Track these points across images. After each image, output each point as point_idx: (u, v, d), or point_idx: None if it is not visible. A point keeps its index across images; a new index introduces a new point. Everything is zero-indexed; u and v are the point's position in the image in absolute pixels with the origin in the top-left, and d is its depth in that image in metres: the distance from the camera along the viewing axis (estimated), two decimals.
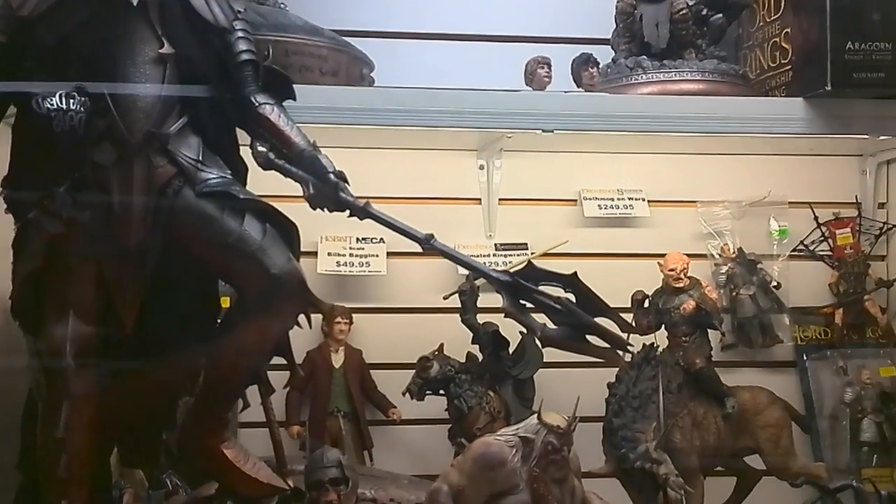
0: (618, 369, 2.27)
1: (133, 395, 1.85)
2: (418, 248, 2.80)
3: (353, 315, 2.71)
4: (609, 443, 2.17)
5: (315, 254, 2.68)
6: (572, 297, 1.75)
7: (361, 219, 1.80)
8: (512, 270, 1.76)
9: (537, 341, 2.57)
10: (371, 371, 2.70)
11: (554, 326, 1.74)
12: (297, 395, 2.62)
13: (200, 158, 1.73)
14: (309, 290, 1.72)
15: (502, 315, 2.53)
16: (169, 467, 2.21)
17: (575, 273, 1.73)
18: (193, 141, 1.75)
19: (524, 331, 2.61)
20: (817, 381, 2.87)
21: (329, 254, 2.69)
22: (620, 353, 1.75)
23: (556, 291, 1.79)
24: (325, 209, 1.80)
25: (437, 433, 2.61)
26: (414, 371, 2.50)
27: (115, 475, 2.13)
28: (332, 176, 1.76)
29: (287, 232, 1.74)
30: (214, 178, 1.72)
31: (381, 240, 2.74)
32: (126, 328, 1.75)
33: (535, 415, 1.93)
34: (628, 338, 1.77)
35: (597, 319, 1.71)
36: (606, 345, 1.74)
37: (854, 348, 2.86)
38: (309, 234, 2.60)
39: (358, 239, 2.73)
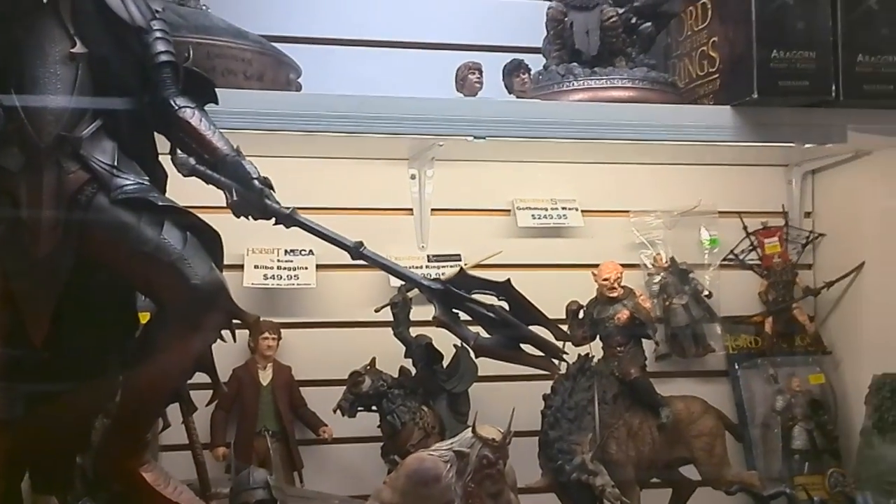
0: (553, 381, 2.24)
1: (45, 418, 1.74)
2: (348, 261, 2.75)
3: (282, 330, 2.62)
4: (545, 455, 2.13)
5: (241, 267, 2.59)
6: (506, 306, 1.71)
7: (288, 227, 1.73)
8: (443, 278, 1.70)
9: (472, 354, 2.57)
10: (301, 388, 2.61)
11: (487, 336, 1.70)
12: (223, 414, 2.51)
13: (115, 164, 1.64)
14: (233, 301, 1.64)
15: (435, 327, 2.54)
16: (85, 494, 2.09)
17: (508, 280, 1.69)
18: (108, 145, 1.65)
19: (458, 344, 2.60)
20: (749, 389, 2.89)
21: (256, 266, 2.60)
22: (555, 361, 1.71)
23: (490, 300, 1.75)
24: (250, 217, 1.73)
25: (369, 451, 2.53)
26: (345, 387, 2.42)
27: (28, 503, 2.01)
28: (256, 182, 1.69)
29: (209, 241, 1.65)
30: (131, 185, 1.63)
31: (311, 252, 2.67)
32: (35, 343, 1.63)
33: (470, 429, 1.88)
34: (563, 346, 1.73)
35: (531, 328, 1.67)
36: (540, 353, 1.69)
37: (784, 356, 2.90)
38: (234, 246, 2.53)
39: (286, 251, 2.65)
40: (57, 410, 1.74)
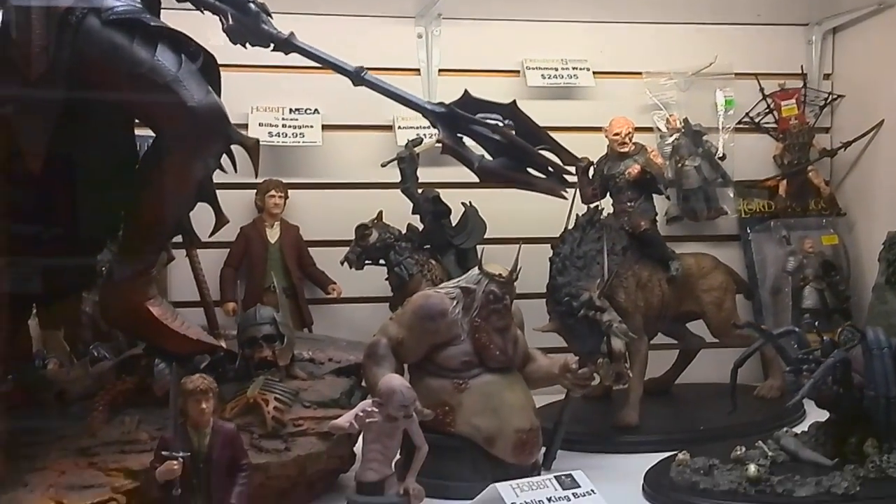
0: (562, 231, 2.21)
1: (49, 254, 1.73)
2: (355, 120, 2.71)
3: (289, 191, 2.59)
4: (553, 300, 2.12)
5: (245, 125, 2.54)
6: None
7: (286, 53, 1.68)
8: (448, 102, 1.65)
9: (479, 214, 2.55)
10: (309, 248, 2.61)
11: (492, 159, 1.65)
12: (231, 271, 2.52)
13: None
14: (230, 123, 1.60)
15: (442, 190, 2.50)
16: (94, 340, 2.12)
17: (514, 101, 1.64)
18: None
19: (467, 202, 2.58)
20: (760, 252, 2.86)
21: (260, 124, 2.56)
22: (562, 183, 1.66)
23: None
24: (247, 43, 1.67)
25: (378, 310, 2.53)
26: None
27: (37, 344, 2.03)
28: (252, 6, 1.63)
29: (205, 66, 1.60)
30: (121, 6, 1.57)
31: (316, 111, 2.62)
32: (33, 171, 1.60)
33: (477, 266, 1.86)
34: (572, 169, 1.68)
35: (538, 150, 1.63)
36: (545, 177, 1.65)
37: (797, 219, 2.85)
38: (239, 104, 2.49)
39: (291, 109, 2.60)
40: (60, 246, 1.73)
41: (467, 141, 1.68)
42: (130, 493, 1.48)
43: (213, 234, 1.70)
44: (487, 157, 1.66)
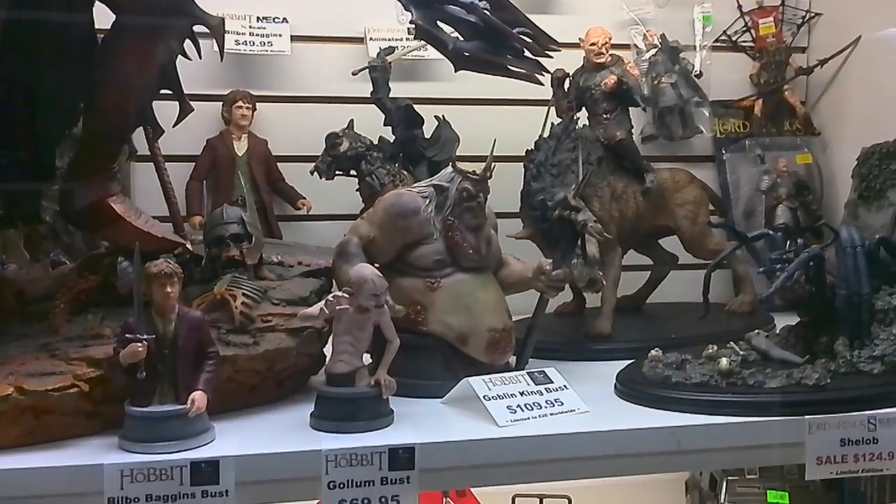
0: (536, 138, 2.17)
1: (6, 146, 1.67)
2: (324, 31, 2.64)
3: (258, 104, 2.53)
4: (527, 206, 2.09)
5: None
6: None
7: None
8: None
9: (452, 128, 2.51)
10: (278, 163, 2.55)
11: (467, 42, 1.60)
12: (198, 184, 2.46)
13: None
14: (195, 3, 1.53)
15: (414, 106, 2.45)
16: (55, 248, 2.06)
17: None
18: None
19: (440, 116, 2.53)
20: (735, 173, 2.85)
21: (227, 32, 2.45)
22: (540, 70, 1.61)
23: None
24: None
25: (347, 227, 2.48)
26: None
27: None
28: None
29: None
30: None
31: (284, 20, 2.55)
32: None
33: (450, 164, 1.82)
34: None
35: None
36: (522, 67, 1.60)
37: (772, 138, 2.84)
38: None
39: (258, 18, 2.53)
40: (18, 134, 1.66)
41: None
42: (93, 381, 1.43)
43: (177, 123, 1.64)
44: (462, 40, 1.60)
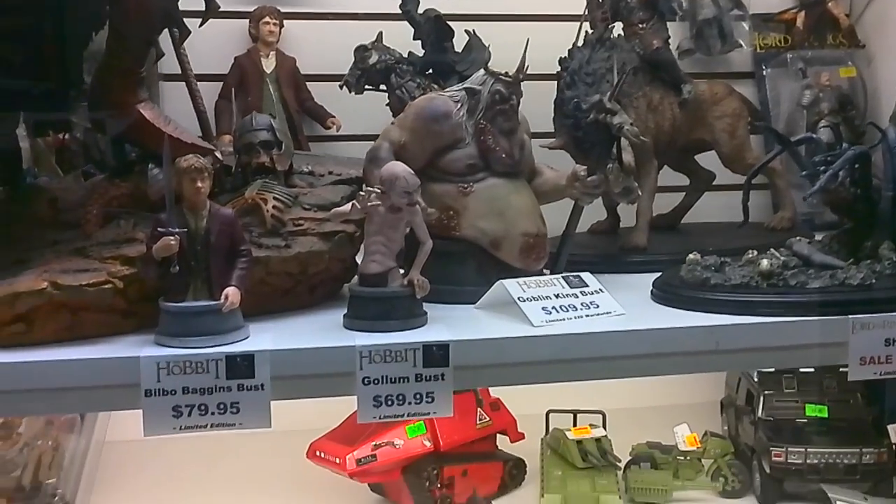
0: (570, 47, 2.11)
1: (31, 51, 1.65)
2: None
3: (285, 21, 2.49)
4: (560, 114, 2.04)
5: None
6: None
7: None
8: None
9: (483, 43, 2.44)
10: (306, 83, 2.52)
11: None
12: (226, 103, 2.43)
13: None
14: None
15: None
16: (87, 162, 2.06)
17: None
18: None
19: (471, 30, 2.47)
20: (775, 89, 2.77)
21: None
22: None
23: None
24: None
25: None
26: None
27: (27, 164, 1.97)
28: None
29: None
30: None
31: None
32: None
33: (482, 67, 1.78)
34: None
35: None
36: None
37: (815, 52, 2.75)
38: None
39: None
40: (45, 40, 1.64)
41: None
42: (128, 279, 1.43)
43: (203, 23, 1.61)
44: None
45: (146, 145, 1.72)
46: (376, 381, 1.41)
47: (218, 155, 1.80)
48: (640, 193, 2.01)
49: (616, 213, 2.44)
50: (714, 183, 2.53)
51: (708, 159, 2.48)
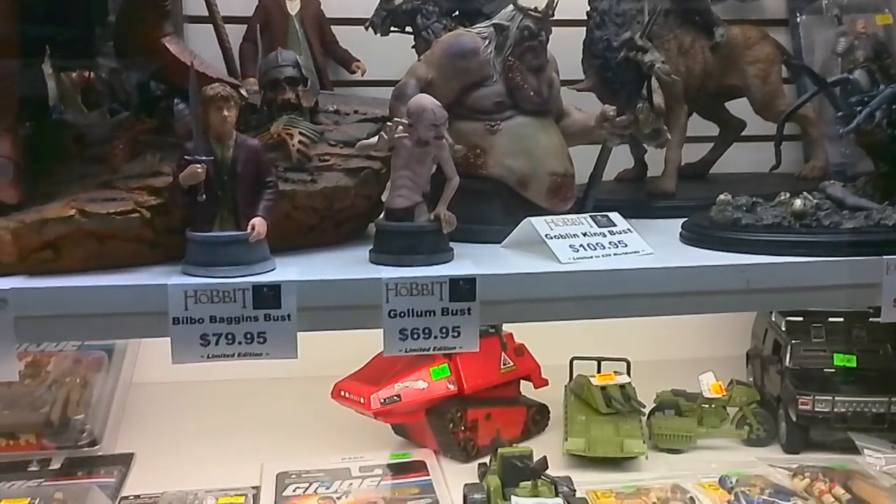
0: None
1: None
2: None
3: None
4: (589, 54, 2.00)
5: None
6: None
7: None
8: None
9: None
10: (331, 26, 2.49)
11: None
12: (251, 46, 2.39)
13: None
14: None
15: None
16: (112, 101, 2.05)
17: None
18: None
19: None
20: (809, 37, 2.70)
21: None
22: None
23: None
24: None
25: None
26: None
27: (54, 101, 1.97)
28: None
29: None
30: None
31: None
32: None
33: (511, 2, 1.74)
34: None
35: None
36: None
37: None
38: None
39: None
40: None
41: None
42: (155, 209, 1.43)
43: None
44: None
45: (172, 80, 1.71)
46: (402, 315, 1.40)
47: (244, 92, 1.79)
48: (669, 137, 1.98)
49: (644, 161, 2.41)
50: (743, 133, 2.50)
51: (738, 107, 2.44)
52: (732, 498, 1.85)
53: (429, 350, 1.43)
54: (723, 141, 2.49)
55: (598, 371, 2.30)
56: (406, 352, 1.42)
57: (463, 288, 1.41)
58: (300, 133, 1.64)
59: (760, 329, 2.47)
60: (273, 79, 1.73)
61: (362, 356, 2.17)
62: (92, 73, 2.07)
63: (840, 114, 1.73)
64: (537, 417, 2.29)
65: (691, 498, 1.84)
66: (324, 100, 1.88)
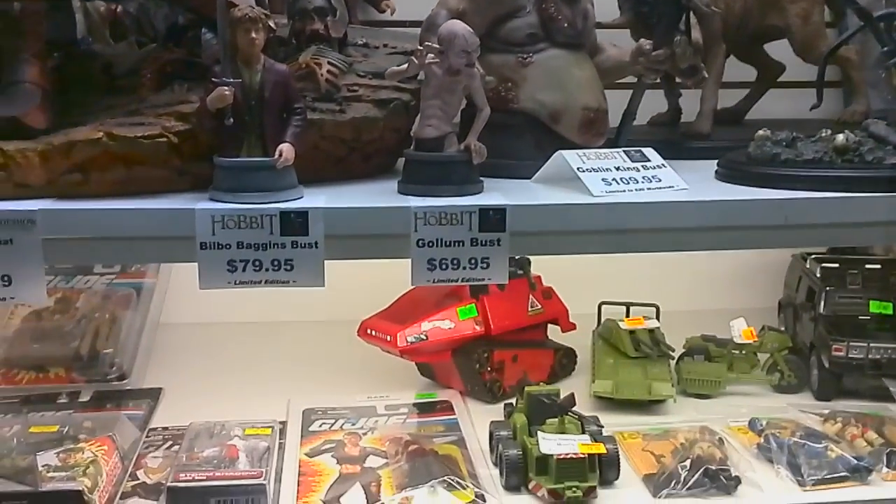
0: None
1: None
2: None
3: None
4: None
5: None
6: None
7: None
8: None
9: None
10: None
11: None
12: None
13: None
14: None
15: None
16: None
17: None
18: None
19: None
20: None
21: None
22: None
23: None
24: None
25: None
26: None
27: (81, 32, 1.96)
28: None
29: None
30: None
31: None
32: None
33: None
34: None
35: None
36: None
37: None
38: None
39: None
40: None
41: None
42: (182, 135, 1.42)
43: None
44: None
45: (199, 9, 1.69)
46: (431, 244, 1.39)
47: (272, 24, 1.76)
48: (706, 75, 1.93)
49: (678, 107, 2.36)
50: (780, 79, 2.43)
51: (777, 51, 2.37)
52: (762, 440, 1.82)
53: (457, 281, 1.41)
54: (760, 85, 2.42)
55: (627, 316, 2.28)
56: (434, 282, 1.41)
57: (493, 218, 1.39)
58: (329, 63, 1.61)
59: (793, 277, 2.42)
60: (302, 8, 1.70)
61: (389, 301, 2.17)
62: (119, 7, 2.06)
63: (885, 49, 1.67)
64: (564, 361, 2.28)
65: (720, 439, 1.82)
66: (353, 33, 1.84)
